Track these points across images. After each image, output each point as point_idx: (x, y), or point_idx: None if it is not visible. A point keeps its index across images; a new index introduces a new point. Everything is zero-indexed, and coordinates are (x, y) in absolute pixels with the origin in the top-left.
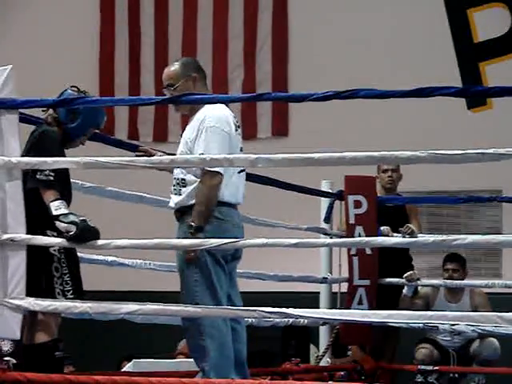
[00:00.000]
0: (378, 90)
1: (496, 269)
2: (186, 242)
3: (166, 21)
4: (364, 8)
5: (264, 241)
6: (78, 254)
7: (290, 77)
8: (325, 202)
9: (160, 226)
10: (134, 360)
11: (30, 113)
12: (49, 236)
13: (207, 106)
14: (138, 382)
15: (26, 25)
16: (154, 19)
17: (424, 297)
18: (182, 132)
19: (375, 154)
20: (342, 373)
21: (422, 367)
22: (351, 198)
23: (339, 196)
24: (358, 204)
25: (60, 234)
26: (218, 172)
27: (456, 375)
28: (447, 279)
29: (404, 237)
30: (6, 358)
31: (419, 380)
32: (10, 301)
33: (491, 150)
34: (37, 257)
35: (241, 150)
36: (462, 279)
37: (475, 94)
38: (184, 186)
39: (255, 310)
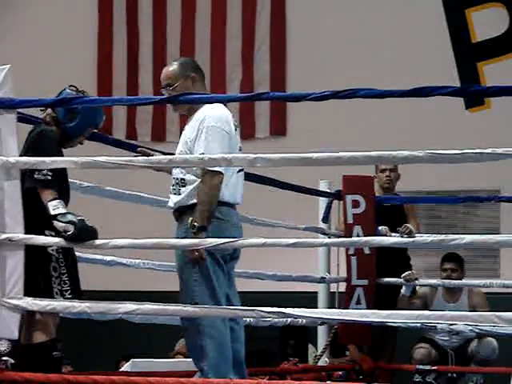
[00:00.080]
0: (376, 89)
1: (494, 268)
2: (184, 241)
3: (164, 21)
4: (362, 8)
5: (262, 240)
6: (76, 253)
7: (288, 77)
8: (323, 201)
9: (159, 225)
10: (132, 360)
11: (28, 112)
12: (47, 236)
13: (206, 106)
14: (136, 381)
15: (24, 25)
16: (152, 19)
17: (422, 296)
18: (181, 132)
19: (373, 153)
20: (340, 372)
21: (420, 367)
22: (349, 198)
23: (337, 196)
24: (356, 204)
25: (58, 233)
26: (218, 171)
27: (454, 375)
28: (445, 279)
29: (402, 236)
30: (3, 358)
31: (417, 380)
32: (8, 300)
33: (489, 150)
34: (35, 256)
35: (240, 150)
36: (460, 279)
37: (474, 93)
38: (183, 186)
39: (253, 310)
